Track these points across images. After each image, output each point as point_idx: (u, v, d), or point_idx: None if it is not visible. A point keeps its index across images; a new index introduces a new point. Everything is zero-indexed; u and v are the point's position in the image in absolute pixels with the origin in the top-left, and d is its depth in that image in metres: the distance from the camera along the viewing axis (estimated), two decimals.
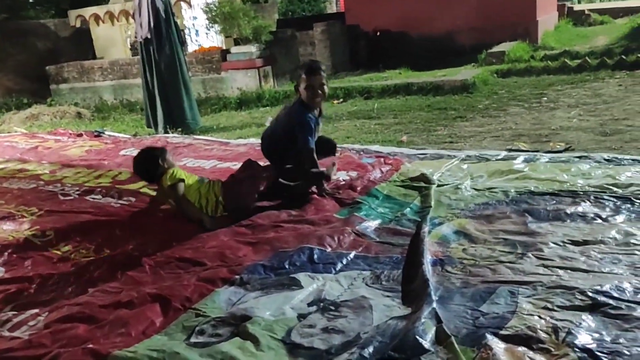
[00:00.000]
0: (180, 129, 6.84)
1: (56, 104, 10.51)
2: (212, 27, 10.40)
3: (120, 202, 3.74)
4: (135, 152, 5.11)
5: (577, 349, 1.84)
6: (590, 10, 17.48)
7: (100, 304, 2.41)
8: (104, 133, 6.56)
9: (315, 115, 3.69)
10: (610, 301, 2.08)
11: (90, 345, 2.09)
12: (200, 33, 12.02)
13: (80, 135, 6.45)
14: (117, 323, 2.25)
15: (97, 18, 11.68)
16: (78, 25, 12.11)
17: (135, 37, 7.81)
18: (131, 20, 10.53)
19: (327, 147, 3.97)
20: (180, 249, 2.90)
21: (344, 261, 2.68)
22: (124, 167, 4.59)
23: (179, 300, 2.37)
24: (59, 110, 9.35)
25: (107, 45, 11.86)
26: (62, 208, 3.70)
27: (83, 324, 2.27)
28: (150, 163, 3.54)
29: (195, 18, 12.05)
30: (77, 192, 3.99)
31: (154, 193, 3.85)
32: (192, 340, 2.13)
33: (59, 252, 3.03)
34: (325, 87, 3.62)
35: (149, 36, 6.96)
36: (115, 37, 11.81)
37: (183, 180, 3.43)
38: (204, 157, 4.82)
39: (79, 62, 11.11)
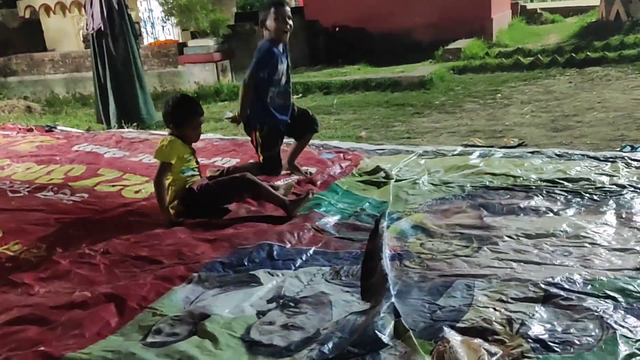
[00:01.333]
0: (135, 124, 6.69)
1: (4, 97, 10.08)
2: (169, 19, 10.20)
3: (72, 198, 3.62)
4: (88, 148, 4.99)
5: (530, 340, 1.89)
6: (542, 9, 17.97)
7: (52, 305, 2.33)
8: (55, 128, 6.35)
9: (281, 50, 3.67)
10: (562, 292, 2.15)
11: (42, 348, 2.02)
12: (157, 25, 11.79)
13: (30, 130, 6.21)
14: (70, 324, 2.19)
15: (47, 9, 11.29)
16: (27, 16, 11.67)
17: (87, 30, 7.58)
18: (84, 11, 10.21)
19: (307, 124, 3.94)
20: (136, 247, 2.83)
21: (304, 257, 2.68)
22: (77, 162, 4.45)
23: (135, 300, 2.32)
24: (7, 104, 8.98)
25: (58, 37, 11.47)
26: (11, 206, 3.55)
27: (34, 326, 2.19)
28: (178, 114, 3.23)
29: (151, 10, 11.80)
30: (27, 189, 3.84)
31: (110, 189, 3.76)
32: (149, 340, 2.09)
33: (8, 252, 2.91)
34: (291, 19, 3.64)
35: (101, 28, 6.77)
36: (67, 29, 11.44)
37: (170, 164, 3.17)
38: None
39: (28, 54, 10.69)
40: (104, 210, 3.38)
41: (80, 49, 10.99)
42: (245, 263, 2.63)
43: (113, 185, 3.80)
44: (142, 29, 11.48)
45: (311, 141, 5.07)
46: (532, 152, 4.10)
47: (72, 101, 9.45)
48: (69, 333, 2.13)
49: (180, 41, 10.36)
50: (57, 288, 2.52)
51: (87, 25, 7.29)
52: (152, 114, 7.20)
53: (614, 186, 3.26)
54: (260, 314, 2.22)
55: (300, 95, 8.37)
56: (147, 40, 11.61)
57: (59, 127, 6.44)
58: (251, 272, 2.54)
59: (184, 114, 3.25)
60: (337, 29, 12.56)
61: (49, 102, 9.52)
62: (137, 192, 3.64)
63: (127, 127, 6.54)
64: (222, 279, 2.51)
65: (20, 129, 6.26)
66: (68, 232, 3.11)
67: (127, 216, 3.30)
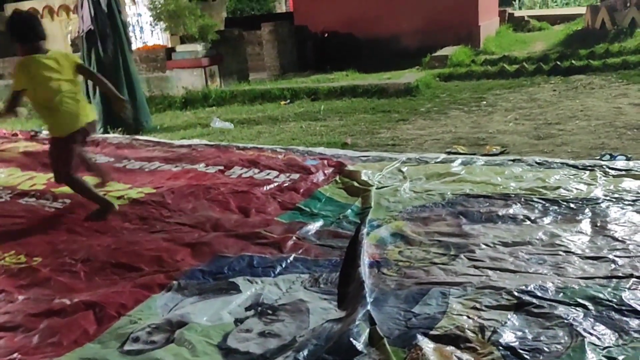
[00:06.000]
0: (121, 129, 6.67)
1: None
2: (157, 24, 10.20)
3: (54, 205, 3.62)
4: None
5: (501, 347, 1.92)
6: (529, 16, 18.15)
7: (30, 313, 2.35)
8: (40, 133, 6.32)
9: None
10: (534, 300, 2.19)
11: (19, 356, 2.03)
12: (145, 30, 11.79)
13: (15, 134, 6.19)
14: (47, 332, 2.21)
15: (35, 12, 11.24)
16: None
17: (78, 32, 7.58)
18: (72, 15, 10.20)
19: None
20: (116, 254, 2.85)
21: (284, 264, 2.70)
22: None
23: (114, 307, 2.34)
24: None
25: (46, 40, 11.42)
26: None
27: (11, 333, 2.21)
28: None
29: (139, 15, 11.80)
30: (9, 195, 3.84)
31: None
32: (126, 347, 2.11)
33: None
34: None
35: (91, 29, 6.77)
36: (55, 33, 11.41)
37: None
38: (144, 158, 4.73)
39: (16, 58, 10.66)
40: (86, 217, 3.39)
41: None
42: (225, 271, 2.65)
43: None
44: (131, 34, 11.46)
45: (296, 147, 5.14)
46: (513, 160, 4.14)
47: None
48: (46, 341, 2.15)
49: (169, 46, 10.37)
50: (37, 295, 2.53)
51: (78, 27, 7.29)
52: (142, 119, 7.18)
53: (591, 195, 3.30)
54: (238, 321, 2.24)
55: (288, 101, 8.40)
56: (135, 45, 11.60)
57: (44, 132, 6.41)
58: (230, 280, 2.56)
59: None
60: (326, 34, 12.61)
61: None
62: (119, 197, 3.65)
63: (112, 132, 6.53)
64: (201, 286, 2.53)
65: (4, 133, 6.23)
66: (49, 239, 3.11)
67: (109, 222, 3.30)
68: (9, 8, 11.64)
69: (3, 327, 2.26)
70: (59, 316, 2.31)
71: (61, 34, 11.49)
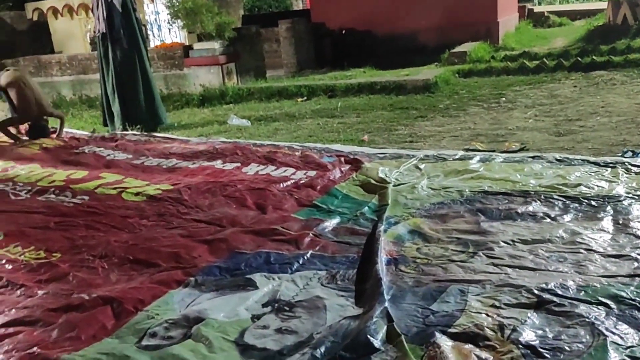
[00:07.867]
0: (139, 127, 6.73)
1: None
2: (175, 22, 10.26)
3: (73, 201, 3.66)
4: (91, 151, 5.03)
5: (521, 346, 1.89)
6: (549, 12, 17.89)
7: (49, 307, 2.37)
8: None
9: None
10: (554, 299, 2.15)
11: (38, 350, 2.05)
12: (163, 28, 11.87)
13: None
14: (66, 326, 2.22)
15: (55, 11, 11.40)
16: (35, 18, 11.79)
17: (94, 32, 7.66)
18: (91, 14, 10.30)
19: None
20: (134, 250, 2.86)
21: (301, 261, 2.69)
22: (79, 165, 4.49)
23: (132, 303, 2.34)
24: None
25: (65, 39, 11.57)
26: (12, 208, 3.59)
27: (30, 328, 2.23)
28: None
29: (157, 13, 11.88)
30: (29, 192, 3.88)
31: (110, 191, 3.79)
32: (144, 343, 2.11)
33: (9, 254, 2.95)
34: None
35: (104, 30, 6.84)
36: (74, 31, 11.54)
37: None
38: (162, 155, 4.76)
39: (36, 57, 10.81)
40: (104, 213, 3.42)
41: (87, 51, 11.08)
42: (242, 267, 2.65)
43: (114, 188, 3.83)
44: (149, 32, 11.55)
45: (314, 144, 5.12)
46: (532, 157, 4.08)
47: (78, 103, 9.54)
48: (65, 335, 2.16)
49: (186, 44, 10.42)
50: (56, 290, 2.55)
51: (94, 27, 7.36)
52: (158, 117, 7.22)
53: (613, 192, 3.24)
54: (255, 317, 2.24)
55: (305, 98, 8.39)
56: (153, 42, 11.69)
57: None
58: (247, 276, 2.56)
59: None
60: (343, 31, 12.57)
61: (56, 103, 9.60)
62: (136, 194, 3.67)
63: (131, 130, 6.59)
64: (218, 282, 2.53)
65: (25, 131, 6.30)
66: (68, 234, 3.14)
67: (126, 218, 3.32)
68: (30, 7, 11.80)
69: (23, 322, 2.27)
70: (78, 311, 2.32)
71: (80, 33, 11.60)
